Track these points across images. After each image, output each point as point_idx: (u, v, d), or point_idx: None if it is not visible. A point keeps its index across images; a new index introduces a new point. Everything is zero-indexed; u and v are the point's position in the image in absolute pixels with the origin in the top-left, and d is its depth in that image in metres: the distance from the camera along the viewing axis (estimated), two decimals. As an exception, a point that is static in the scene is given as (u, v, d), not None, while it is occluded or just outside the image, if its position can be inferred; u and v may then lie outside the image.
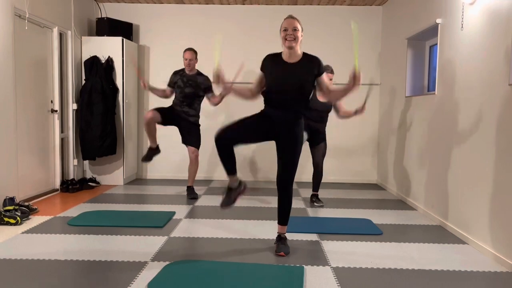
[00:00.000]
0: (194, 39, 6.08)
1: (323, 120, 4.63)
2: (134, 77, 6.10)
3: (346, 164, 6.29)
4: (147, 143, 6.23)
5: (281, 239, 3.15)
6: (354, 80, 2.74)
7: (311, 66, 2.96)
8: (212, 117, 6.21)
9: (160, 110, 4.71)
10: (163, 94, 4.94)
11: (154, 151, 4.93)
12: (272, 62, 3.03)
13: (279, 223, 3.19)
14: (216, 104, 4.88)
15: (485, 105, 3.22)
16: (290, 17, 2.98)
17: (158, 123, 4.72)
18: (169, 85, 4.92)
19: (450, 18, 3.87)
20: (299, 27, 2.94)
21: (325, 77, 3.02)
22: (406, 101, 5.03)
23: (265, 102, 3.09)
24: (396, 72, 5.41)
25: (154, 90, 4.88)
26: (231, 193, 3.13)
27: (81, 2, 5.67)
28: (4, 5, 4.03)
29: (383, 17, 6.12)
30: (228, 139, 2.93)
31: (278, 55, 3.04)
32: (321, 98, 3.34)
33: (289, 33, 2.91)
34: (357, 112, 4.48)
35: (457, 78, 3.71)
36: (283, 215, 3.16)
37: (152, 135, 4.80)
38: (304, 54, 3.01)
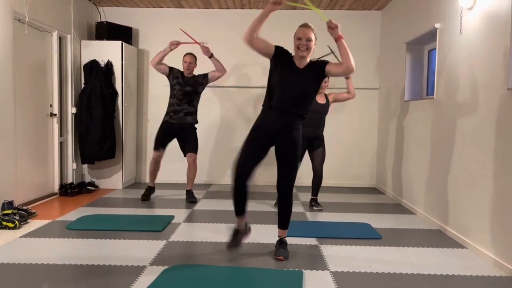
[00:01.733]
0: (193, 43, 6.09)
1: (321, 123, 4.64)
2: (134, 81, 6.10)
3: (345, 168, 6.29)
4: (147, 147, 6.26)
5: (281, 243, 3.15)
6: (332, 27, 2.84)
7: (316, 70, 2.99)
8: (211, 117, 6.21)
9: (159, 145, 4.89)
10: (160, 63, 4.82)
11: (152, 189, 5.09)
12: (284, 61, 3.01)
13: (279, 227, 3.19)
14: (221, 69, 4.87)
15: (484, 109, 3.23)
16: (305, 26, 2.98)
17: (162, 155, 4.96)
18: (170, 67, 4.91)
19: (449, 22, 3.88)
20: (313, 37, 2.96)
21: (330, 64, 3.01)
22: (405, 105, 5.04)
23: (266, 102, 3.06)
24: (395, 77, 5.42)
25: (165, 53, 4.81)
26: (238, 235, 3.14)
27: (80, 6, 5.68)
28: (4, 9, 4.04)
29: (382, 21, 6.13)
30: (247, 170, 2.96)
31: (291, 57, 3.04)
32: (340, 69, 3.06)
33: (303, 44, 2.93)
34: (347, 77, 4.64)
35: (455, 83, 3.72)
36: (284, 219, 3.16)
37: (155, 174, 5.02)
38: (310, 61, 3.05)
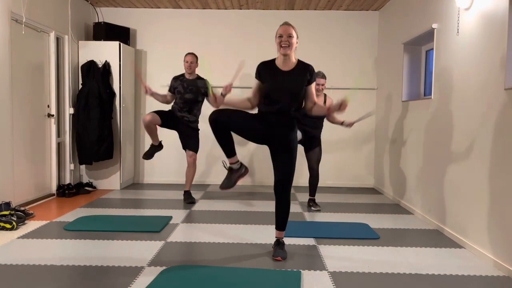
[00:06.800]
0: (191, 44, 6.09)
1: (318, 126, 4.65)
2: (131, 82, 6.10)
3: (343, 169, 6.29)
4: (145, 148, 6.24)
5: (279, 243, 3.15)
6: (340, 107, 2.79)
7: (304, 73, 2.99)
8: (205, 119, 6.20)
9: (159, 112, 4.73)
10: (164, 99, 4.93)
11: (156, 148, 4.93)
12: (266, 70, 3.03)
13: (277, 228, 3.19)
14: (218, 106, 4.85)
15: (481, 109, 3.23)
16: (286, 24, 3.00)
17: (158, 125, 4.72)
18: (169, 90, 4.94)
19: (446, 23, 3.89)
20: (294, 34, 2.96)
21: (313, 87, 3.06)
22: (403, 106, 5.05)
23: (260, 108, 3.09)
24: (393, 77, 5.43)
25: (155, 95, 4.85)
26: (232, 174, 3.07)
27: (78, 7, 5.67)
28: (1, 9, 4.02)
29: (379, 22, 6.14)
30: (223, 123, 2.88)
31: (272, 63, 3.05)
32: (307, 105, 3.19)
33: (284, 40, 2.93)
34: (343, 124, 4.60)
35: (453, 83, 3.73)
36: (281, 220, 3.16)
37: (154, 134, 4.80)
38: (299, 61, 3.04)
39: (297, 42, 2.99)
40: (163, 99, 4.92)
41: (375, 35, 6.20)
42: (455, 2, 3.64)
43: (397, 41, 5.21)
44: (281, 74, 2.99)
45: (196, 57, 4.90)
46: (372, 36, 6.19)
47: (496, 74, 3.04)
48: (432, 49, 4.32)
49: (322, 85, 4.55)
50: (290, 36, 2.94)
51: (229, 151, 3.01)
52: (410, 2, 4.87)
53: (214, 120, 2.86)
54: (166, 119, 4.76)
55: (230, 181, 3.05)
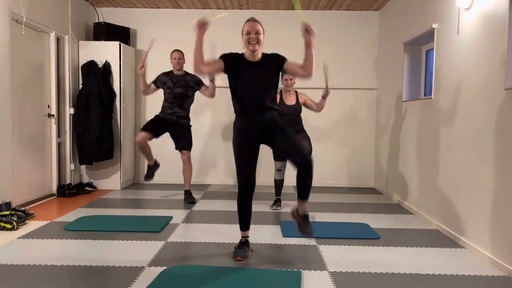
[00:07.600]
0: (191, 44, 6.07)
1: (298, 123, 4.54)
2: (131, 82, 6.10)
3: (343, 169, 6.29)
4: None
5: (305, 218, 3.02)
6: (307, 32, 2.87)
7: (272, 60, 3.03)
8: (202, 119, 6.21)
9: (148, 128, 4.76)
10: (146, 88, 4.84)
11: (153, 167, 5.01)
12: (237, 64, 3.04)
13: (300, 197, 2.98)
14: (212, 94, 4.79)
15: (481, 109, 3.23)
16: (252, 20, 3.04)
17: (151, 139, 4.76)
18: (154, 82, 4.90)
19: (446, 23, 3.89)
20: (261, 30, 3.01)
21: (290, 61, 3.05)
22: (403, 106, 5.05)
23: (238, 107, 3.07)
24: (393, 77, 5.43)
25: (143, 79, 4.77)
26: (245, 246, 3.13)
27: (78, 7, 5.68)
28: (1, 10, 4.03)
29: (379, 22, 6.14)
30: (250, 183, 3.02)
31: (241, 57, 3.07)
32: (302, 73, 3.04)
33: (252, 37, 2.97)
34: (324, 96, 4.44)
35: (453, 83, 3.73)
36: (306, 189, 2.96)
37: (147, 153, 4.88)
38: (264, 53, 3.08)
39: (263, 38, 3.01)
40: (144, 87, 4.82)
41: (375, 35, 6.19)
42: (455, 2, 3.64)
43: (397, 41, 5.22)
44: (252, 65, 3.02)
45: (182, 53, 4.90)
46: (372, 36, 6.19)
47: (496, 74, 3.04)
48: (432, 49, 4.32)
49: (291, 79, 4.44)
50: (257, 33, 2.97)
51: (247, 225, 3.17)
52: (410, 2, 4.87)
53: (245, 187, 3.03)
54: (156, 129, 4.80)
55: (244, 253, 3.05)
